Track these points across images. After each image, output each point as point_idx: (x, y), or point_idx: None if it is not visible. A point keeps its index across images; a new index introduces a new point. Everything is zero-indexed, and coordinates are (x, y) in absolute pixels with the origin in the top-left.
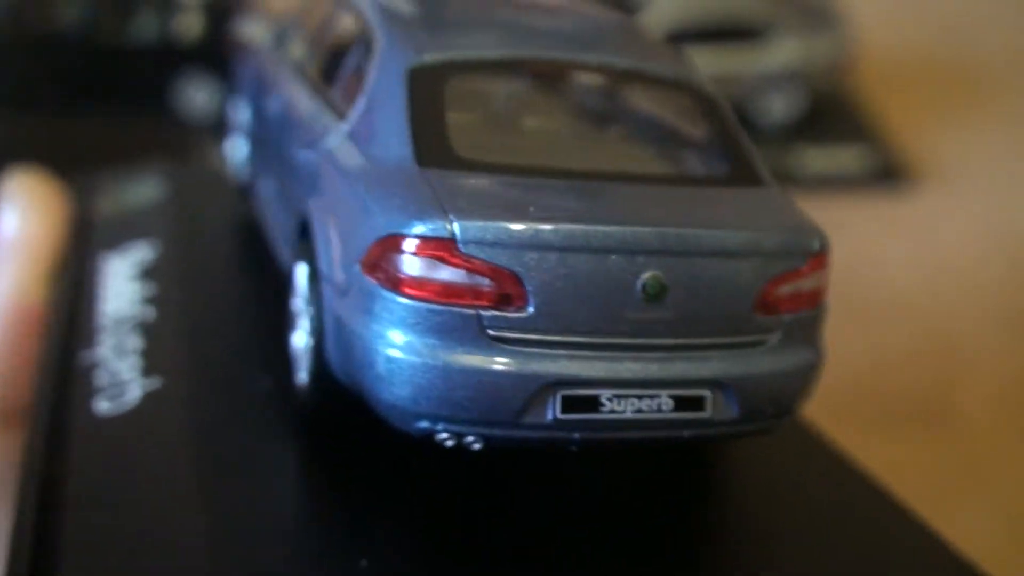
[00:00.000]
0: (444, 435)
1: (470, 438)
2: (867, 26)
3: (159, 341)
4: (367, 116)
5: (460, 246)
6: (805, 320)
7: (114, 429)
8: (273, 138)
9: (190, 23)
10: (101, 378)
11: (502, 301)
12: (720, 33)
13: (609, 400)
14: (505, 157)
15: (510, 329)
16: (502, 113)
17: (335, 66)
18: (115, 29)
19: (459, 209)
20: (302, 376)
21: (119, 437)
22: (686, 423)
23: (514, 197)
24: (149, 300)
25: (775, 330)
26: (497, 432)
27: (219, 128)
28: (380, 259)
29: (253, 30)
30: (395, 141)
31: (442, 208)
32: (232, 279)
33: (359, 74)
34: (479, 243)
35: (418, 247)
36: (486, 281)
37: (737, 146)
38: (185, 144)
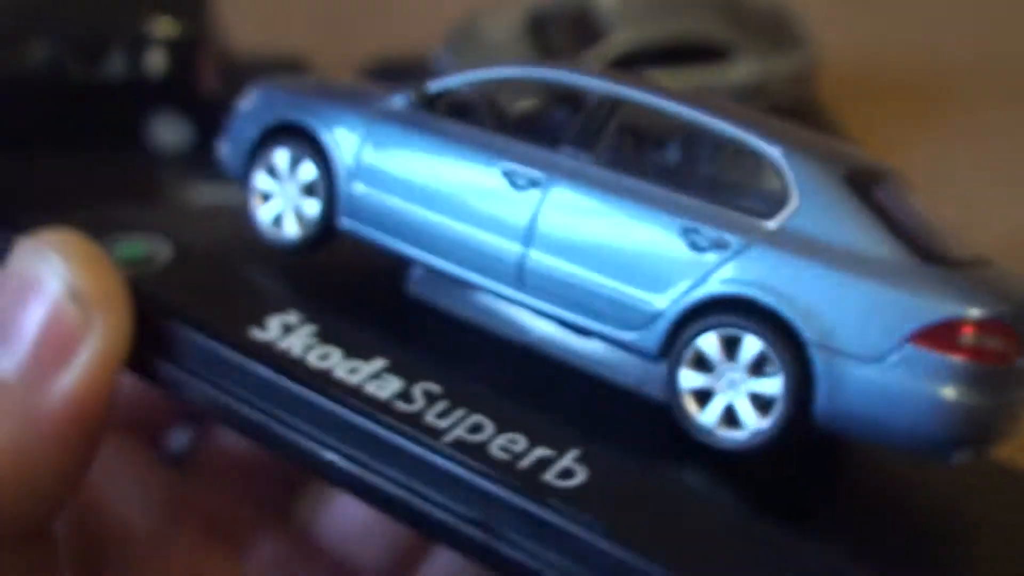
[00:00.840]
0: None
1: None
2: (833, 42)
3: None
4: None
5: (1004, 321)
6: None
7: None
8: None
9: (158, 60)
10: None
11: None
12: (681, 54)
13: None
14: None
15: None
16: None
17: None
18: (84, 67)
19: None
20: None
21: None
22: None
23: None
24: None
25: None
26: None
27: (190, 164)
28: (939, 335)
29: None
30: (866, 240)
31: (989, 294)
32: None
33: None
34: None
35: (979, 325)
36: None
37: None
38: (157, 181)
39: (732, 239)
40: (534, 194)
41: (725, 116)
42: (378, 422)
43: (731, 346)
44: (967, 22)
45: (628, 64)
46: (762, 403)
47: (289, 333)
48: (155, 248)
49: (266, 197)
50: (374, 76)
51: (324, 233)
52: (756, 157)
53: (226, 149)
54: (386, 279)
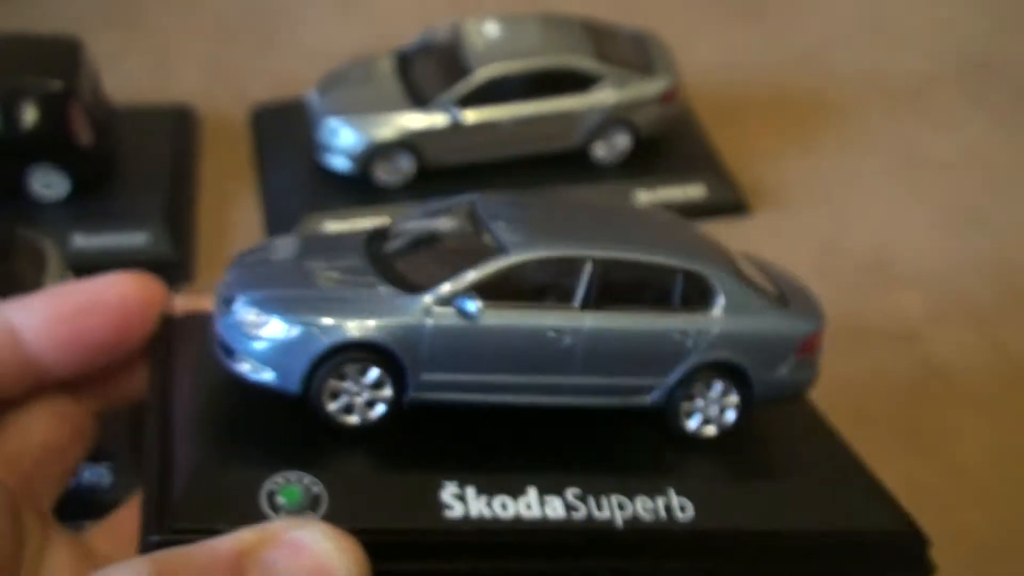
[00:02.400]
0: None
1: None
2: (707, 63)
3: None
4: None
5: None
6: None
7: None
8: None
9: (31, 114)
10: None
11: None
12: (546, 83)
13: None
14: None
15: None
16: None
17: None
18: None
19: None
20: None
21: None
22: None
23: None
24: None
25: None
26: None
27: (68, 214)
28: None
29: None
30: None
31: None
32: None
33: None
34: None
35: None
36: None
37: None
38: (38, 230)
39: (703, 329)
40: (570, 341)
41: (658, 252)
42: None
43: (706, 385)
44: (852, 38)
45: (493, 93)
46: (725, 409)
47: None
48: (308, 487)
49: (335, 395)
50: (259, 120)
51: (393, 414)
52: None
53: (267, 375)
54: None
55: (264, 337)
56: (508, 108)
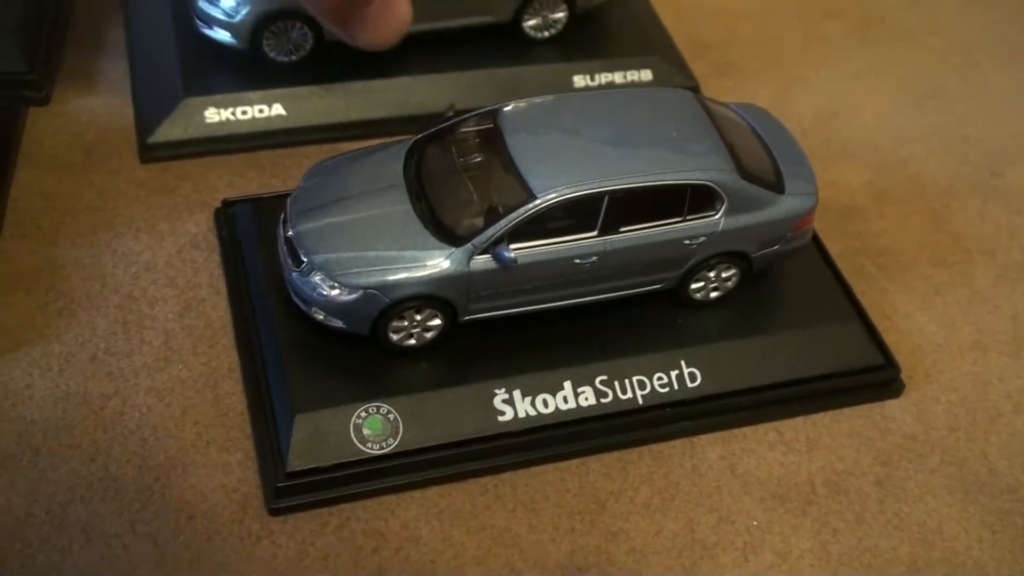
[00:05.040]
0: None
1: None
2: None
3: None
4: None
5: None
6: None
7: None
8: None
9: None
10: None
11: None
12: None
13: None
14: None
15: None
16: None
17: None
18: None
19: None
20: None
21: None
22: None
23: None
24: None
25: None
26: None
27: None
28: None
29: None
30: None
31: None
32: None
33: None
34: None
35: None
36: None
37: None
38: None
39: (709, 231)
40: (593, 262)
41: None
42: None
43: (710, 269)
44: None
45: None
46: (727, 280)
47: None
48: (386, 416)
49: (396, 330)
50: None
51: (445, 333)
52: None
53: (338, 323)
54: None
55: (335, 298)
56: None
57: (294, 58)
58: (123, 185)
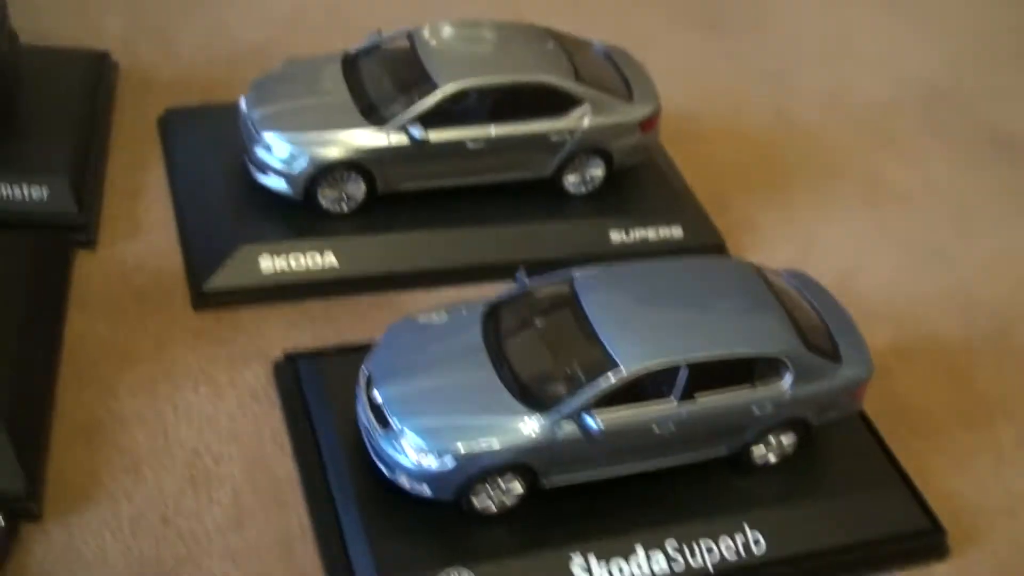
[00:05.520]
0: None
1: None
2: (665, 85)
3: None
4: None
5: None
6: None
7: None
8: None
9: None
10: None
11: None
12: (518, 102)
13: None
14: None
15: None
16: None
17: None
18: None
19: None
20: None
21: None
22: None
23: None
24: None
25: None
26: None
27: None
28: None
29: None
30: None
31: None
32: None
33: None
34: None
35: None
36: None
37: None
38: None
39: (776, 399)
40: (670, 429)
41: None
42: None
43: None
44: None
45: (458, 112)
46: (785, 445)
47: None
48: None
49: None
50: (170, 124)
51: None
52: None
53: (424, 489)
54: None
55: (424, 465)
56: (474, 130)
57: (346, 209)
58: (178, 333)
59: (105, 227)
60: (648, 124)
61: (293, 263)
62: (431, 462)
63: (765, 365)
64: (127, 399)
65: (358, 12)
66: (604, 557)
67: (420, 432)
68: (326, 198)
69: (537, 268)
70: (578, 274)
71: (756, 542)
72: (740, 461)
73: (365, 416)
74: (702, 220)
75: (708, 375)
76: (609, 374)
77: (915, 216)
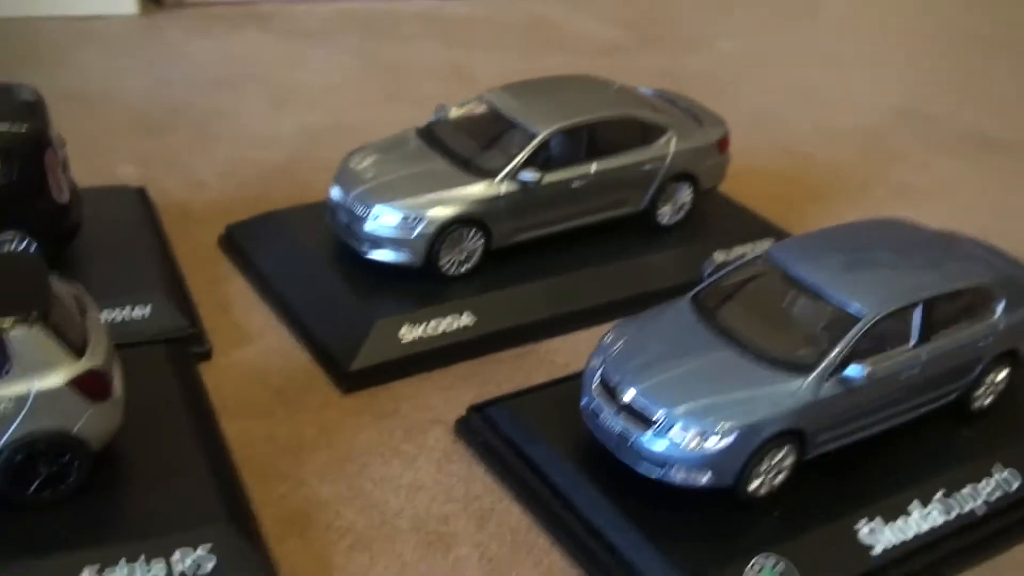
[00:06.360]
0: None
1: None
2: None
3: None
4: None
5: None
6: None
7: None
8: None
9: None
10: None
11: None
12: (610, 140)
13: None
14: None
15: None
16: None
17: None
18: None
19: None
20: None
21: None
22: None
23: None
24: None
25: None
26: None
27: None
28: None
29: None
30: None
31: None
32: None
33: None
34: None
35: None
36: None
37: None
38: None
39: (994, 331)
40: (913, 376)
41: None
42: None
43: (992, 372)
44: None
45: (558, 156)
46: (999, 385)
47: None
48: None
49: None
50: (238, 236)
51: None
52: None
53: (704, 477)
54: None
55: (703, 448)
56: (575, 170)
57: (464, 269)
58: (339, 417)
59: (212, 339)
60: (723, 144)
61: (432, 329)
62: (713, 442)
63: (978, 300)
64: (319, 486)
65: (361, 124)
66: (887, 519)
67: (695, 415)
68: (446, 260)
69: (654, 298)
70: (773, 250)
71: (1006, 480)
72: (962, 411)
73: (614, 425)
74: (780, 235)
75: (935, 317)
76: (857, 323)
77: (948, 208)
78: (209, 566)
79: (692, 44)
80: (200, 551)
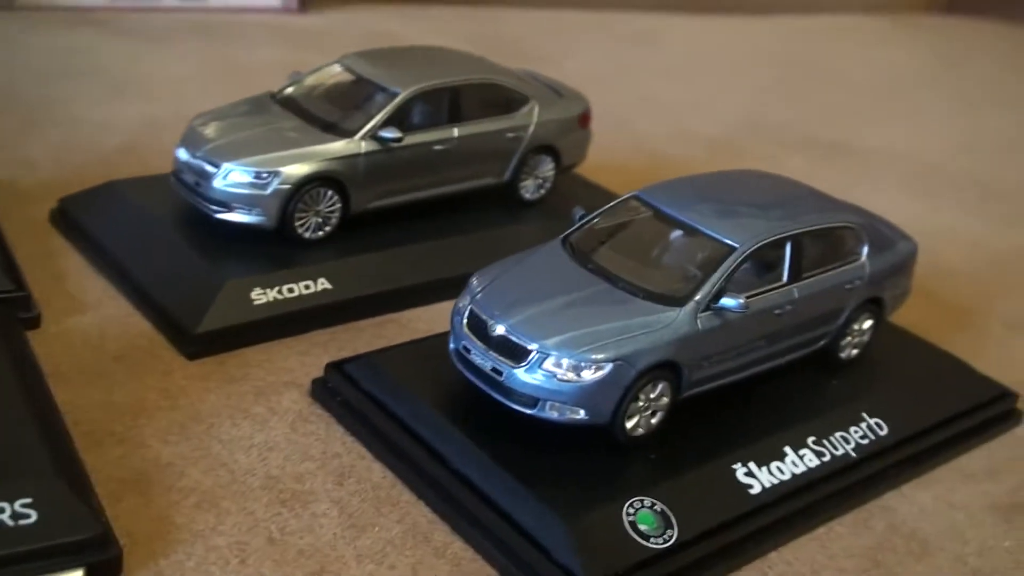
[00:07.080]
0: None
1: None
2: None
3: None
4: None
5: None
6: None
7: None
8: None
9: None
10: None
11: None
12: (471, 105)
13: None
14: None
15: None
16: None
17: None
18: None
19: None
20: None
21: None
22: None
23: None
24: None
25: None
26: None
27: None
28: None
29: None
30: None
31: None
32: None
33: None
34: None
35: None
36: None
37: None
38: None
39: (860, 274)
40: (786, 311)
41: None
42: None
43: (857, 319)
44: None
45: (419, 119)
46: (864, 333)
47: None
48: (655, 510)
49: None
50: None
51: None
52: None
53: (577, 414)
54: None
55: (578, 380)
56: (438, 133)
57: (320, 235)
58: (184, 381)
59: (43, 310)
60: (584, 119)
61: (286, 292)
62: (588, 374)
63: (843, 243)
64: (161, 447)
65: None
66: (762, 462)
67: (569, 346)
68: (301, 223)
69: None
70: (641, 192)
71: (878, 426)
72: (830, 360)
73: (485, 362)
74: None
75: (805, 255)
76: (732, 254)
77: None
78: (31, 519)
79: (539, 62)
80: (18, 505)
